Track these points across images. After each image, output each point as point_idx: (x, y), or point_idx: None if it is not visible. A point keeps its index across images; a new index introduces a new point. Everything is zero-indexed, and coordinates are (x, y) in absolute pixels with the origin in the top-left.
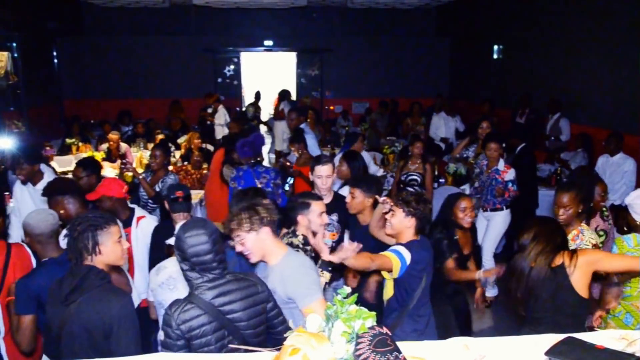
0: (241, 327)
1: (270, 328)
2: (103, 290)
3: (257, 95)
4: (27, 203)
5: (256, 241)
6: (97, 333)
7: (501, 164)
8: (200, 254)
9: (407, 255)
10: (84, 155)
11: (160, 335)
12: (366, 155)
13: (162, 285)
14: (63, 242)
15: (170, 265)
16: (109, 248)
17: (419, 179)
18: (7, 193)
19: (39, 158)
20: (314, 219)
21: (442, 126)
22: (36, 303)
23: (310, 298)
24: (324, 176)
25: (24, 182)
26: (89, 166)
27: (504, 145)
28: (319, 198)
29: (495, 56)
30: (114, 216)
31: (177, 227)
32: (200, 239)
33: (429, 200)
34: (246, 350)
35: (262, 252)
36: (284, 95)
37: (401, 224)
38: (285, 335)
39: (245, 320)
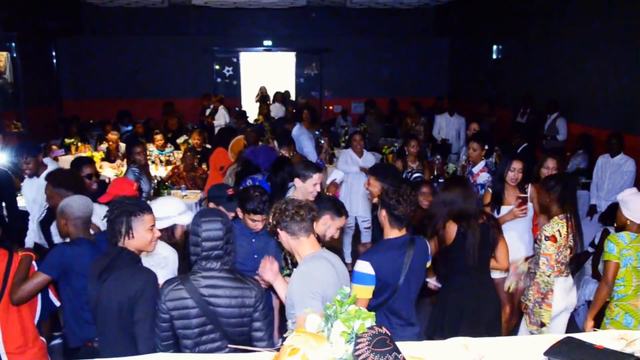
0: (224, 322)
1: (251, 338)
2: (132, 270)
3: (264, 100)
4: (37, 195)
5: (282, 237)
6: (125, 307)
7: (477, 167)
8: (210, 241)
9: (367, 267)
10: (83, 155)
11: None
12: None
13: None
14: (103, 223)
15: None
16: (140, 234)
17: (423, 176)
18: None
19: (39, 148)
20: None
21: (444, 127)
22: (60, 271)
23: (300, 310)
24: (319, 183)
25: (30, 176)
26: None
27: (486, 147)
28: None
29: (494, 56)
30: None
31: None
32: (215, 225)
33: (409, 196)
34: (246, 351)
35: (289, 248)
36: (279, 97)
37: (380, 216)
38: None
39: (226, 317)
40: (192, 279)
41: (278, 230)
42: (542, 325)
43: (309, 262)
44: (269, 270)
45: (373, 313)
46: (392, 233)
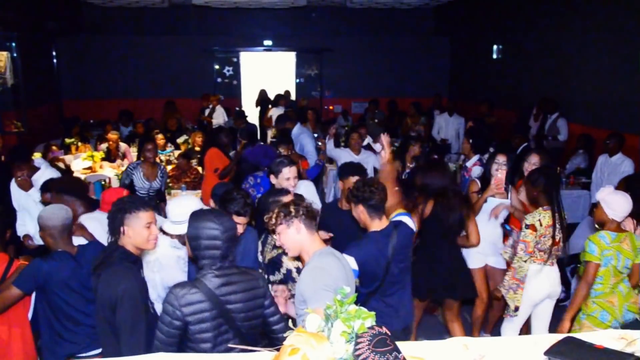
0: (238, 319)
1: (267, 326)
2: (120, 270)
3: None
4: (29, 199)
5: (286, 235)
6: (105, 305)
7: (471, 161)
8: (230, 241)
9: (350, 262)
10: (83, 155)
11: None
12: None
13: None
14: (101, 233)
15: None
16: (135, 231)
17: None
18: None
19: (29, 153)
20: None
21: (444, 127)
22: (35, 286)
23: (315, 304)
24: (292, 177)
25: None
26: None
27: (470, 140)
28: (288, 193)
29: (494, 56)
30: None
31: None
32: (232, 224)
33: (377, 182)
34: (246, 350)
35: (296, 248)
36: (275, 100)
37: (356, 214)
38: (284, 335)
39: (245, 311)
40: (204, 280)
41: (282, 229)
42: (517, 309)
43: (319, 258)
44: (280, 300)
45: (373, 313)
46: (375, 225)
